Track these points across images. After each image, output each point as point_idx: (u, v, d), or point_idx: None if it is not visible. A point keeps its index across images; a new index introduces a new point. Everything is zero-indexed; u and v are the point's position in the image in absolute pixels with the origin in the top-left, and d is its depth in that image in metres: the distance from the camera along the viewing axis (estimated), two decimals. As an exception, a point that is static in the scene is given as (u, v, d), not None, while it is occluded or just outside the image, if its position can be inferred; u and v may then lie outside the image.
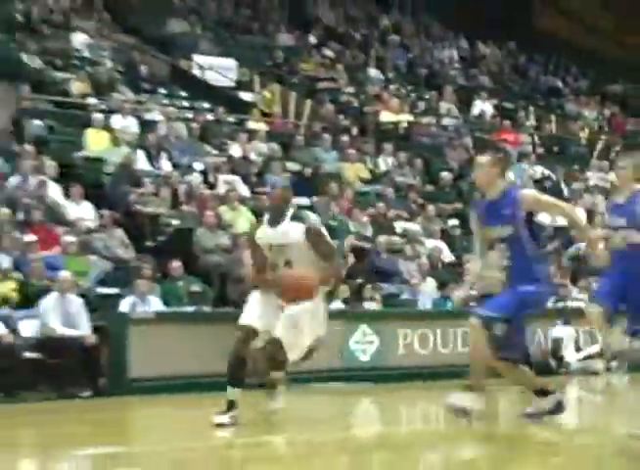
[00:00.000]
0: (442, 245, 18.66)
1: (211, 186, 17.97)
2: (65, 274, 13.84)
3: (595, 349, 17.47)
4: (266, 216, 9.80)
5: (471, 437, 8.77)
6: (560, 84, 29.16)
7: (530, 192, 9.44)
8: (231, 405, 9.37)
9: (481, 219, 9.20)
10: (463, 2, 29.98)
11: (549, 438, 8.90)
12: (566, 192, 22.22)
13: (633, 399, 13.46)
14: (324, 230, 9.69)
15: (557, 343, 17.18)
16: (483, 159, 9.42)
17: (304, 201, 18.25)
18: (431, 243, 18.39)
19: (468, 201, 17.95)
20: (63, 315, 13.44)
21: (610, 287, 10.14)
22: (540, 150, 24.27)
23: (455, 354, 14.97)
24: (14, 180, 16.24)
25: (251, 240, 10.09)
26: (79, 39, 21.80)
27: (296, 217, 9.54)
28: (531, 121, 25.71)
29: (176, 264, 15.36)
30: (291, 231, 9.40)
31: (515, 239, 8.92)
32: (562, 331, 17.23)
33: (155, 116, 19.91)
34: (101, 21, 23.86)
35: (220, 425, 9.14)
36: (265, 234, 9.54)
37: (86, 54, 21.59)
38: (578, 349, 17.30)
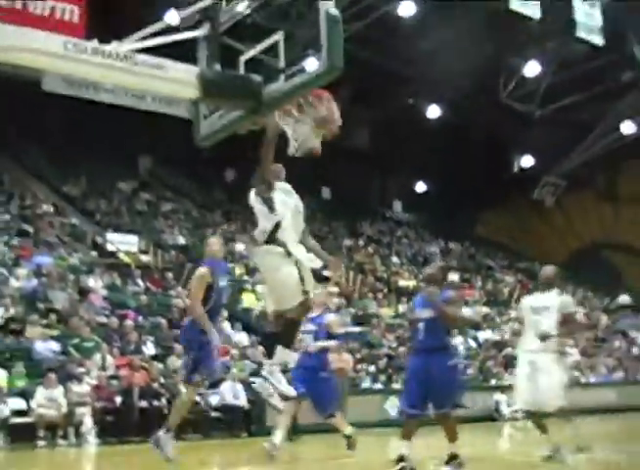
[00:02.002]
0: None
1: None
2: (233, 371, 13.91)
3: (518, 406, 17.15)
4: None
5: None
6: (493, 264, 29.03)
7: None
8: None
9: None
10: (441, 221, 30.22)
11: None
12: (498, 320, 22.04)
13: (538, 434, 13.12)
14: None
15: (497, 403, 16.84)
16: None
17: (357, 328, 18.23)
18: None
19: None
20: (233, 393, 13.45)
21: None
22: (484, 299, 24.10)
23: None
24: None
25: None
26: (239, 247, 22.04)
27: None
28: (479, 283, 25.59)
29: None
30: None
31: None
32: (500, 396, 16.90)
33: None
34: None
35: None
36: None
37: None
38: (508, 406, 16.93)
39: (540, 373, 7.48)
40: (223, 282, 7.62)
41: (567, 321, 7.64)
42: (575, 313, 7.95)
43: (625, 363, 21.44)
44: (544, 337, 7.45)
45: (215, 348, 7.52)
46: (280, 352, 5.74)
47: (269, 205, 5.63)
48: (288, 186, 5.89)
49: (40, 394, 11.76)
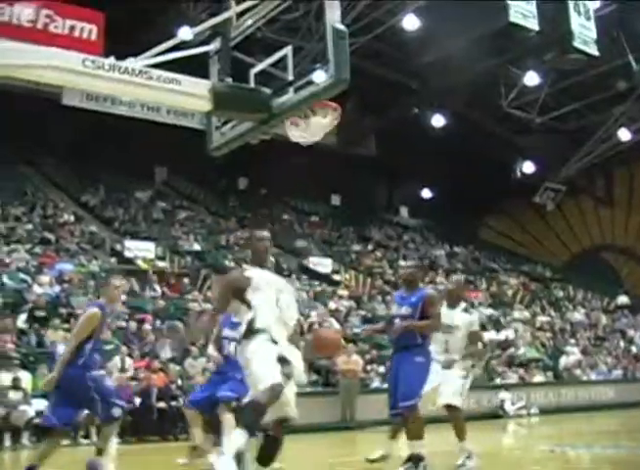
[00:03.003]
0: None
1: (320, 324, 17.56)
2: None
3: (522, 403, 17.12)
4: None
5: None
6: (496, 266, 28.86)
7: None
8: None
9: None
10: (446, 226, 30.15)
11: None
12: (502, 321, 21.91)
13: (541, 430, 13.12)
14: None
15: (502, 401, 16.77)
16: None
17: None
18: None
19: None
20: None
21: None
22: (482, 300, 23.84)
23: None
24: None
25: None
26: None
27: None
28: (483, 285, 25.47)
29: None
30: None
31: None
32: (504, 394, 16.83)
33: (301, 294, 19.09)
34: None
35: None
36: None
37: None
38: (513, 403, 16.88)
39: (445, 377, 6.82)
40: (105, 335, 6.75)
41: (472, 341, 6.96)
42: (479, 332, 7.22)
43: (624, 361, 21.34)
44: (449, 364, 6.82)
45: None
46: (238, 436, 4.83)
47: (245, 303, 5.19)
48: (266, 275, 5.32)
49: (63, 395, 11.78)
